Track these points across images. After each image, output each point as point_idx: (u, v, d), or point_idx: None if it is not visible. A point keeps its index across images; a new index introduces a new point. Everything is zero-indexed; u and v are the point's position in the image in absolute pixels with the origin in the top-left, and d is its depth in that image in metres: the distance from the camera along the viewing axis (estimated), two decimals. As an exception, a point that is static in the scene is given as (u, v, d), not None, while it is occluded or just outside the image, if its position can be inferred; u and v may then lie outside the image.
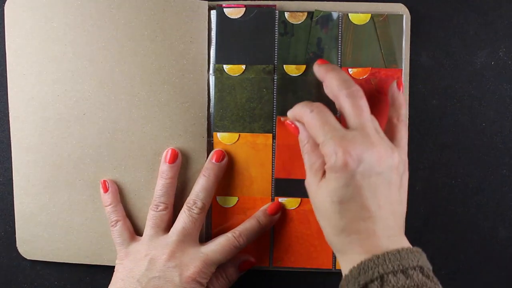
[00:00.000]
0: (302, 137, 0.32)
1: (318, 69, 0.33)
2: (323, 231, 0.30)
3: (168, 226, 0.35)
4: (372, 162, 0.28)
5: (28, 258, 0.38)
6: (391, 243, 0.28)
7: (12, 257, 0.39)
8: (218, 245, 0.34)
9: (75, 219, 0.37)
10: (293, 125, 0.32)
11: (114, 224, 0.35)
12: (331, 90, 0.31)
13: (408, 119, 0.37)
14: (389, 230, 0.28)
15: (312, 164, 0.30)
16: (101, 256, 0.38)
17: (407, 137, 0.32)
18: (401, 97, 0.33)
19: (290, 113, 0.32)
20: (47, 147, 0.37)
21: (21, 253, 0.38)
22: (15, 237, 0.38)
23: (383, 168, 0.28)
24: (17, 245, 0.38)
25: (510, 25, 0.37)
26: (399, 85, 0.33)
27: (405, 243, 0.29)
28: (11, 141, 0.37)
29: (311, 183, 0.30)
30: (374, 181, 0.28)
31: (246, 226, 0.35)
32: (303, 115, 0.30)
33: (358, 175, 0.28)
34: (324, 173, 0.29)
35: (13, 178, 0.37)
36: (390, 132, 0.32)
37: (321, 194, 0.29)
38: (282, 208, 0.36)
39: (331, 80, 0.31)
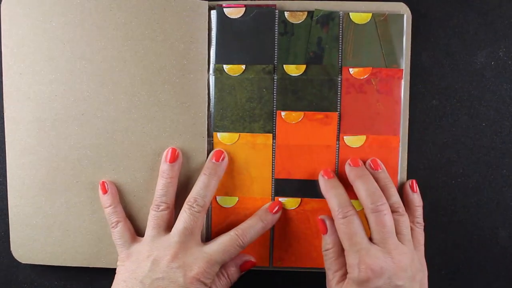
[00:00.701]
0: (329, 240, 0.36)
1: (349, 171, 0.37)
2: None
3: (169, 226, 0.36)
4: (392, 276, 0.33)
5: (23, 262, 0.40)
6: None
7: (12, 257, 0.40)
8: (221, 244, 0.35)
9: (72, 222, 0.39)
10: (323, 224, 0.37)
11: (115, 225, 0.37)
12: (359, 198, 0.35)
13: (408, 119, 0.39)
14: None
15: (335, 271, 0.35)
16: (99, 259, 0.39)
17: (423, 237, 0.37)
18: (416, 198, 0.38)
19: (325, 195, 0.37)
20: (43, 148, 0.38)
21: (15, 257, 0.40)
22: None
23: (403, 280, 0.33)
24: (11, 249, 0.39)
25: (510, 25, 0.39)
26: (413, 187, 0.38)
27: None
28: (6, 143, 0.38)
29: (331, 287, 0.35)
30: None
31: (248, 224, 0.37)
32: (335, 218, 0.35)
33: None
34: (341, 278, 0.34)
35: (7, 181, 0.39)
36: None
37: None
38: (282, 208, 0.39)
39: (359, 190, 0.35)
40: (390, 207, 0.36)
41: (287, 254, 0.39)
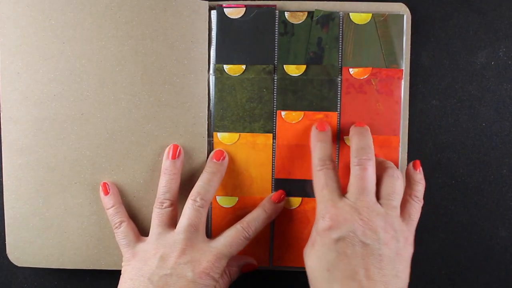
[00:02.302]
0: None
1: (351, 129, 0.40)
2: None
3: (174, 223, 0.39)
4: (356, 230, 0.34)
5: (19, 265, 0.42)
6: None
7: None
8: (228, 238, 0.38)
9: (71, 224, 0.42)
10: None
11: (118, 226, 0.40)
12: (350, 151, 0.38)
13: (408, 119, 0.42)
14: None
15: (312, 232, 0.37)
16: (99, 261, 0.42)
17: (418, 214, 0.38)
18: (418, 175, 0.39)
19: (311, 147, 0.40)
20: (41, 148, 0.41)
21: (11, 261, 0.42)
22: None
23: (370, 240, 0.34)
24: (7, 252, 0.42)
25: (510, 25, 0.43)
26: (416, 166, 0.40)
27: None
28: (2, 143, 0.41)
29: (306, 250, 0.37)
30: (361, 250, 0.34)
31: (253, 216, 0.40)
32: (313, 169, 0.38)
33: (341, 241, 0.34)
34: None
35: (3, 182, 0.41)
36: (402, 207, 0.38)
37: (311, 260, 0.36)
38: (285, 197, 0.42)
39: (352, 145, 0.38)
40: (384, 168, 0.38)
41: (287, 254, 0.43)
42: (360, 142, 0.38)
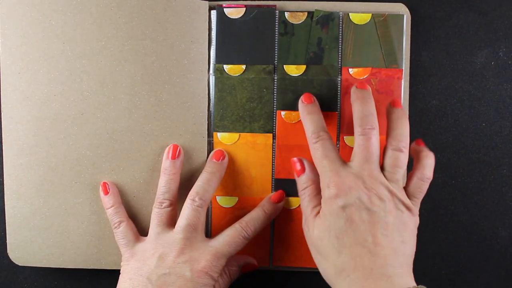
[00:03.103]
0: (306, 179, 0.39)
1: (352, 93, 0.39)
2: (324, 274, 0.36)
3: (173, 223, 0.39)
4: (362, 197, 0.34)
5: (20, 265, 0.42)
6: (392, 283, 0.32)
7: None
8: (227, 237, 0.38)
9: (71, 223, 0.42)
10: (298, 165, 0.39)
11: (118, 226, 0.40)
12: (353, 119, 0.38)
13: (408, 119, 0.42)
14: (389, 268, 0.33)
15: (313, 207, 0.37)
16: (99, 260, 0.42)
17: (425, 190, 0.37)
18: (424, 150, 0.38)
19: (302, 121, 0.40)
20: (41, 148, 0.41)
21: (12, 260, 0.42)
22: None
23: (376, 207, 0.34)
24: (7, 252, 0.42)
25: (510, 25, 0.43)
26: (418, 141, 0.39)
27: (409, 282, 0.33)
28: (3, 143, 0.41)
29: (308, 223, 0.37)
30: (367, 217, 0.34)
31: (252, 215, 0.40)
32: (309, 143, 0.38)
33: (348, 207, 0.34)
34: (319, 211, 0.36)
35: (4, 182, 0.41)
36: (408, 182, 0.37)
37: (318, 230, 0.36)
38: (285, 197, 0.42)
39: (354, 112, 0.38)
40: (391, 139, 0.37)
41: (287, 254, 0.43)
42: (363, 109, 0.37)
